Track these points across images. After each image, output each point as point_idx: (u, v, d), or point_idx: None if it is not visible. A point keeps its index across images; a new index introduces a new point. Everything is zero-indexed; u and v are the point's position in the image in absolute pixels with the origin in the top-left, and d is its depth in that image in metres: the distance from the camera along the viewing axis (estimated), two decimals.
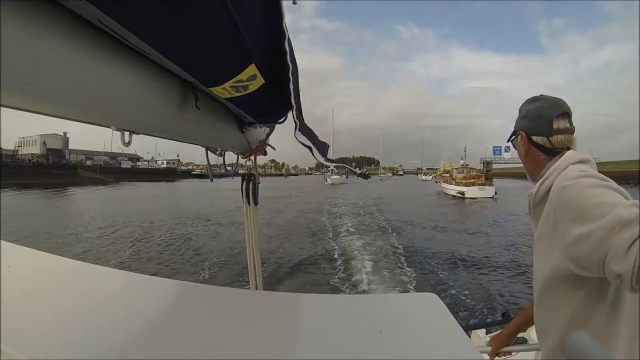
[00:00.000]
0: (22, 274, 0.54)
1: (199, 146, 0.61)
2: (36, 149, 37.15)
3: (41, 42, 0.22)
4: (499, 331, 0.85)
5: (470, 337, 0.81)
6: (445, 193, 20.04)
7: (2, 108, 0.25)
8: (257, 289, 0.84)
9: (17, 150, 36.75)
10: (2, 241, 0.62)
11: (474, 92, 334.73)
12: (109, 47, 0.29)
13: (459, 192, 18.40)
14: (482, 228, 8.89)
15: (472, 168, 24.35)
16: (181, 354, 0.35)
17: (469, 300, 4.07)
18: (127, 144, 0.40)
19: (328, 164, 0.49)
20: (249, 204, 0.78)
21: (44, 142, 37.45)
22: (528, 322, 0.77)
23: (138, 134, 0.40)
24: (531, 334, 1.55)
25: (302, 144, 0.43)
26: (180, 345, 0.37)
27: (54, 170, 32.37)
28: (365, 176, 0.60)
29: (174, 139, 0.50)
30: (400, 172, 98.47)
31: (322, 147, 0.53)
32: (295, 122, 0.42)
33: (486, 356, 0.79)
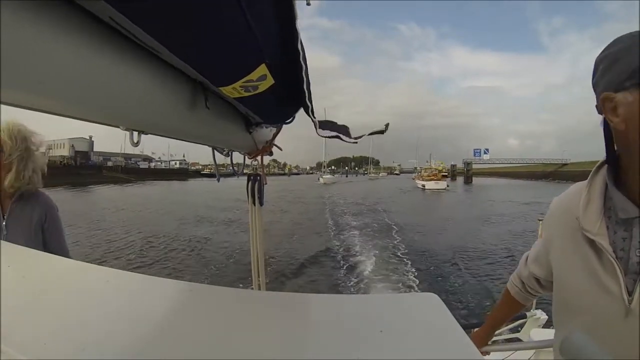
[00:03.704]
0: (22, 274, 0.54)
1: (206, 146, 0.61)
2: (65, 152, 40.25)
3: (52, 40, 0.22)
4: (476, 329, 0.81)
5: (470, 337, 0.77)
6: (417, 187, 29.33)
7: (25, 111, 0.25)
8: (260, 288, 0.84)
9: (47, 153, 39.95)
10: (2, 241, 0.63)
11: (474, 91, 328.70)
12: (120, 45, 0.28)
13: (422, 185, 28.45)
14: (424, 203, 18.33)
15: (435, 168, 36.93)
16: (181, 354, 0.34)
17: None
18: (136, 144, 0.39)
19: (355, 141, 0.49)
20: (254, 204, 0.78)
21: (72, 145, 40.46)
22: (504, 319, 0.74)
23: (147, 134, 0.40)
24: (531, 333, 1.44)
25: (329, 137, 0.44)
26: (181, 345, 0.36)
27: (82, 170, 35.28)
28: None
29: (182, 139, 0.49)
30: (397, 172, 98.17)
31: (346, 131, 0.52)
32: (313, 120, 0.42)
33: (487, 356, 0.77)
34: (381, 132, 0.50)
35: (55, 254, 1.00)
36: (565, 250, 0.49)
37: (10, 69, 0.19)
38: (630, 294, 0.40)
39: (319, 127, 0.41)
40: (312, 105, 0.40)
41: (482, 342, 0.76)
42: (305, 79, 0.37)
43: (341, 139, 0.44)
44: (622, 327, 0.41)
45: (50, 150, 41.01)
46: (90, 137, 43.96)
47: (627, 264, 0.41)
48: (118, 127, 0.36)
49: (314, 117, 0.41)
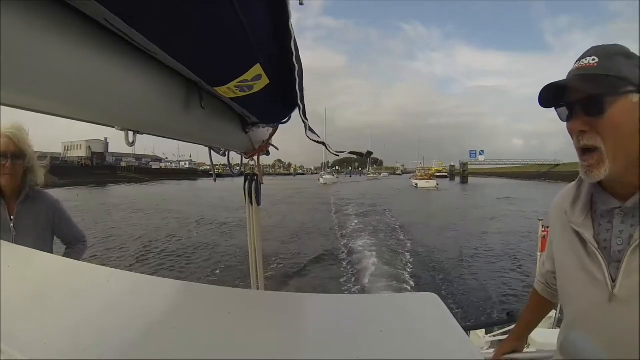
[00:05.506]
0: (22, 274, 0.54)
1: (203, 146, 0.61)
2: (82, 153, 41.99)
3: (47, 41, 0.22)
4: (501, 334, 0.76)
5: (469, 337, 0.74)
6: (412, 186, 33.32)
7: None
8: (258, 288, 0.84)
9: (65, 154, 41.87)
10: (2, 241, 0.65)
11: (478, 90, 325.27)
12: (115, 46, 0.28)
13: (415, 184, 32.55)
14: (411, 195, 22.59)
15: (429, 169, 44.34)
16: (181, 354, 0.35)
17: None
18: (132, 144, 0.40)
19: (340, 155, 0.50)
20: (252, 204, 0.78)
21: (89, 146, 42.22)
22: (535, 322, 0.73)
23: (142, 133, 0.40)
24: (532, 335, 1.39)
25: (316, 141, 0.44)
26: (180, 345, 0.36)
27: (99, 171, 36.41)
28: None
29: (177, 139, 0.49)
30: (399, 172, 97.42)
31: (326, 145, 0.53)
32: (304, 122, 0.42)
33: (486, 350, 0.78)
34: (361, 154, 0.53)
35: (73, 239, 1.04)
36: (559, 244, 0.53)
37: (4, 69, 0.19)
38: (613, 280, 0.43)
39: (309, 130, 0.42)
40: (304, 106, 0.40)
41: (512, 348, 0.71)
42: (298, 79, 0.37)
43: (326, 148, 0.46)
44: (607, 311, 0.44)
45: (68, 152, 43.02)
46: (106, 139, 45.59)
47: (610, 253, 0.45)
48: (113, 127, 0.36)
49: (306, 119, 0.41)
